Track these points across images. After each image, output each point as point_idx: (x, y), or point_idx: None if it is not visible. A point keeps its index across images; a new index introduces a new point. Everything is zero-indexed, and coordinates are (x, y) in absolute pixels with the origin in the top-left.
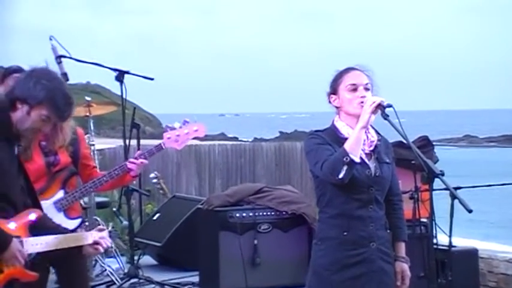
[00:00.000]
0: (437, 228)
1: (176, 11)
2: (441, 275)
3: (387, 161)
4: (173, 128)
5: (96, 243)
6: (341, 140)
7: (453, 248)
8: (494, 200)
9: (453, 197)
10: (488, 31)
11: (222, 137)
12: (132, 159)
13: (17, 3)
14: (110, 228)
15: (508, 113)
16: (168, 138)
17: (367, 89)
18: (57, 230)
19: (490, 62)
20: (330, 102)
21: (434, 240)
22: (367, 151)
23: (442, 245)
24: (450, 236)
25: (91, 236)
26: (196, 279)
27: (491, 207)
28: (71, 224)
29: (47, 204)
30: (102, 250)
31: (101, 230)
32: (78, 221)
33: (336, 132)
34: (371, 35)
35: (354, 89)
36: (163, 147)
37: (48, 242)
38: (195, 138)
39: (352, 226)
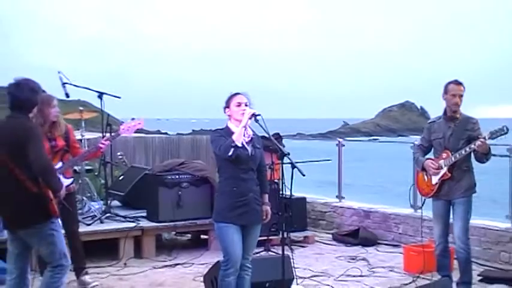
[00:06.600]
0: (284, 185)
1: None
2: (286, 212)
3: (258, 147)
4: (126, 122)
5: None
6: (231, 134)
7: (292, 197)
8: (318, 169)
9: (293, 167)
10: (326, 22)
11: (157, 132)
12: (102, 141)
13: None
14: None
15: None
16: (123, 128)
17: (246, 105)
18: None
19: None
20: (224, 112)
21: (284, 192)
22: (246, 140)
23: (287, 195)
24: (291, 190)
25: None
26: (144, 214)
27: (316, 174)
28: (67, 181)
29: None
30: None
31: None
32: (71, 180)
33: (228, 129)
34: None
35: (239, 105)
36: (120, 133)
37: None
38: (139, 130)
39: (238, 184)
